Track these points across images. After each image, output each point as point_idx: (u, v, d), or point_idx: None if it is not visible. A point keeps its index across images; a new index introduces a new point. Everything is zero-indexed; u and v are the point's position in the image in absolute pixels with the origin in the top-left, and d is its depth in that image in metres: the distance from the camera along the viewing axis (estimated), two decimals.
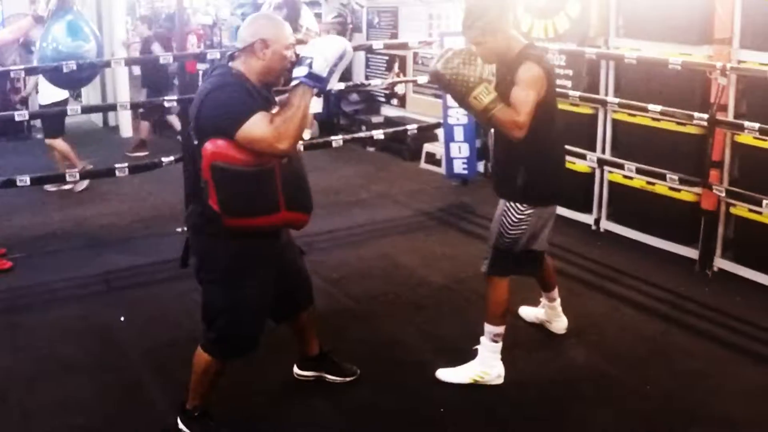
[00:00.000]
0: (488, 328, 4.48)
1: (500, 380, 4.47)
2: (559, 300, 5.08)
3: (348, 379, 4.51)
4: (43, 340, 5.12)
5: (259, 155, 3.37)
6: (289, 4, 8.45)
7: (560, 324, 5.11)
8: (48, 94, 8.66)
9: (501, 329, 4.47)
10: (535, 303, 5.22)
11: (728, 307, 5.47)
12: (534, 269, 4.71)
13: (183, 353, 4.86)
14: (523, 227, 4.36)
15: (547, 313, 5.13)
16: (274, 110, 3.48)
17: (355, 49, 9.03)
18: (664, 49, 6.28)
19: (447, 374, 4.51)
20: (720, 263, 6.10)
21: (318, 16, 11.28)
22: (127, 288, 6.02)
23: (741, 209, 5.89)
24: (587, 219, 7.23)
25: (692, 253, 6.26)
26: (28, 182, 6.29)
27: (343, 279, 6.03)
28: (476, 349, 4.53)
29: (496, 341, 4.48)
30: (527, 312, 5.29)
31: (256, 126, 3.31)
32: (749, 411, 4.26)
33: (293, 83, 3.40)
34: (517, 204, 4.34)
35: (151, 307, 5.63)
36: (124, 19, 12.38)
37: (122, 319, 5.40)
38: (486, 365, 4.48)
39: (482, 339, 4.51)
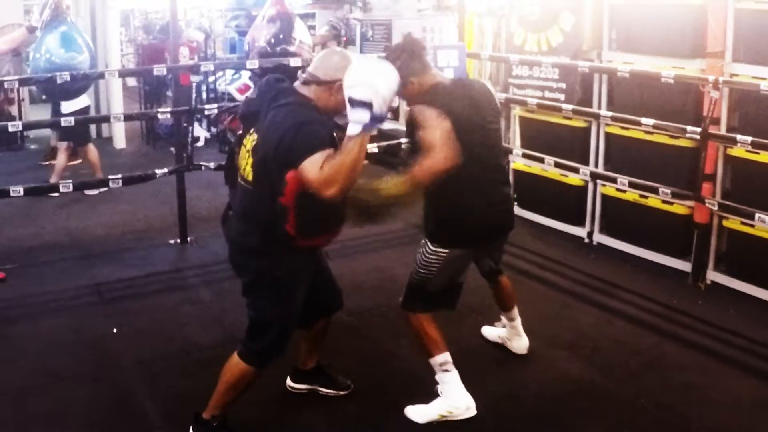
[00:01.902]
0: (432, 361, 4.28)
1: (471, 412, 4.26)
2: (519, 320, 4.94)
3: (341, 392, 4.50)
4: (35, 351, 5.10)
5: None
6: (283, 18, 8.48)
7: (521, 343, 4.97)
8: (70, 102, 8.82)
9: (445, 356, 4.26)
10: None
11: (721, 320, 5.48)
12: (451, 304, 4.46)
13: (175, 365, 4.88)
14: (435, 267, 4.21)
15: (509, 332, 5.01)
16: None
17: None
18: (656, 62, 6.31)
19: (415, 413, 4.28)
20: (713, 276, 6.11)
21: (312, 28, 11.31)
22: (120, 299, 6.00)
23: (734, 222, 5.90)
24: (580, 232, 7.23)
25: (685, 266, 6.27)
26: (21, 192, 6.27)
27: None
28: (437, 389, 4.32)
29: (447, 370, 4.27)
30: (489, 332, 5.19)
31: (311, 167, 3.31)
32: (742, 423, 4.26)
33: (352, 129, 3.28)
34: (428, 243, 4.22)
35: (144, 318, 5.62)
36: (118, 30, 12.36)
37: (114, 330, 5.38)
38: (451, 398, 4.27)
39: (436, 376, 4.30)
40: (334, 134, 3.58)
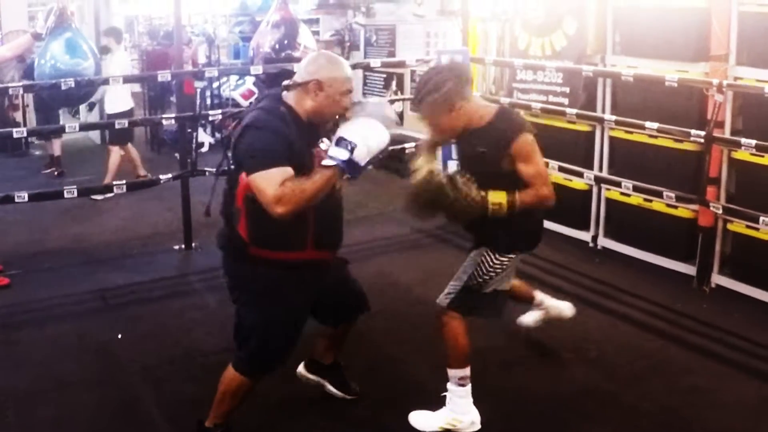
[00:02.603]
0: (452, 372, 4.21)
1: (475, 427, 4.22)
2: (542, 295, 5.05)
3: (348, 396, 4.48)
4: (40, 356, 5.11)
5: None
6: (287, 23, 8.47)
7: (564, 306, 5.08)
8: (115, 103, 9.30)
9: (466, 371, 4.21)
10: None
11: (726, 323, 5.47)
12: (498, 312, 4.41)
13: (180, 370, 4.88)
14: (499, 274, 4.21)
15: (549, 309, 5.06)
16: (321, 145, 3.57)
17: (353, 67, 9.06)
18: (660, 66, 6.31)
19: (418, 420, 4.26)
20: (717, 279, 6.10)
21: (316, 33, 11.32)
22: (125, 305, 6.01)
23: (738, 226, 5.90)
24: (585, 236, 7.23)
25: (690, 269, 6.27)
26: (26, 198, 6.28)
27: None
28: (445, 396, 4.26)
29: (463, 385, 4.21)
30: (528, 318, 5.17)
31: (267, 181, 3.29)
32: (747, 426, 4.26)
33: (326, 162, 3.30)
34: (495, 253, 4.19)
35: (149, 324, 5.62)
36: (122, 36, 12.38)
37: (119, 336, 5.39)
38: (457, 412, 4.22)
39: (449, 385, 4.23)
40: (304, 143, 3.51)
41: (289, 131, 3.44)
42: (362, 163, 3.30)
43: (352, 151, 3.26)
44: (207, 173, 7.18)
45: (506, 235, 4.15)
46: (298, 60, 8.07)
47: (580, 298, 5.97)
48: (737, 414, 4.37)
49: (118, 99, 9.37)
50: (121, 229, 7.93)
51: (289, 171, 3.33)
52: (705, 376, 4.79)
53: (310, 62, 3.64)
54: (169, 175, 7.00)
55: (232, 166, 3.56)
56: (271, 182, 3.28)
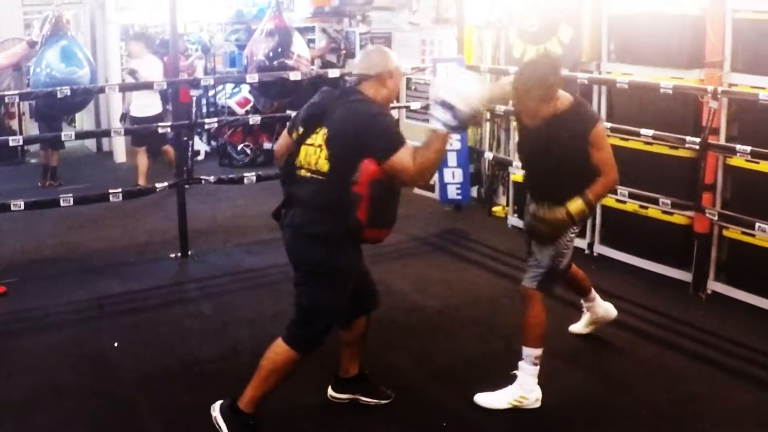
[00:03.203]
0: (527, 351, 4.48)
1: (538, 404, 4.47)
2: (597, 296, 5.27)
3: (383, 401, 4.50)
4: (36, 365, 5.10)
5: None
6: (281, 31, 8.49)
7: (610, 308, 5.31)
8: (143, 108, 9.46)
9: (540, 351, 4.48)
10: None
11: (722, 330, 5.48)
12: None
13: (176, 379, 4.88)
14: (570, 247, 4.57)
15: (595, 311, 5.26)
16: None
17: (349, 75, 9.05)
18: (655, 73, 6.32)
19: (485, 399, 4.49)
20: (713, 286, 6.11)
21: (311, 42, 11.32)
22: (121, 313, 6.00)
23: (734, 232, 5.91)
24: (581, 243, 7.21)
25: (686, 276, 6.27)
26: (22, 207, 6.28)
27: None
28: (514, 374, 4.50)
29: (536, 364, 4.47)
30: (578, 327, 5.41)
31: (405, 158, 3.68)
32: None
33: (436, 126, 3.69)
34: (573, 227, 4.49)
35: (145, 332, 5.62)
36: (118, 44, 12.40)
37: (116, 344, 5.38)
38: (525, 390, 4.47)
39: (521, 364, 4.49)
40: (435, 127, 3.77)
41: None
42: (467, 118, 3.69)
43: (455, 114, 3.63)
44: (203, 181, 7.19)
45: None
46: (292, 68, 8.13)
47: (575, 306, 5.94)
48: (733, 421, 4.37)
49: (148, 104, 9.53)
50: (118, 237, 7.92)
51: (410, 145, 3.74)
52: (701, 383, 4.79)
53: (376, 55, 4.12)
54: (165, 184, 7.00)
55: (348, 157, 3.75)
56: (408, 159, 3.68)
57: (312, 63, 9.83)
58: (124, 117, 10.28)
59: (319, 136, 3.83)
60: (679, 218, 6.32)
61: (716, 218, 5.90)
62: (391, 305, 6.00)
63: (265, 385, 3.96)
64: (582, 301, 5.30)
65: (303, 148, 3.89)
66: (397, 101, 10.42)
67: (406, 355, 5.17)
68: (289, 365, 3.95)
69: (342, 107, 3.85)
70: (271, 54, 8.39)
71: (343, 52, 11.55)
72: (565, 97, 4.37)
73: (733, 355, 5.15)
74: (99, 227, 8.24)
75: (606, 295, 6.05)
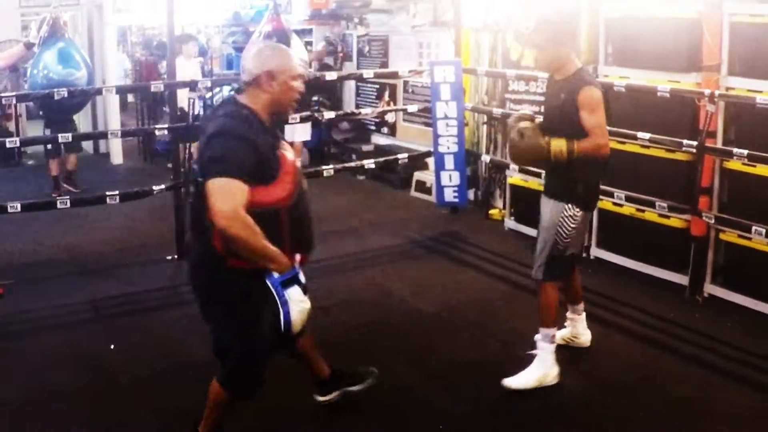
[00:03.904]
0: (544, 331, 4.71)
1: (556, 380, 4.70)
2: (585, 314, 5.26)
3: (371, 380, 4.44)
4: (32, 367, 5.09)
5: (265, 199, 3.37)
6: (279, 34, 8.49)
7: (588, 336, 5.27)
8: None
9: (555, 330, 4.77)
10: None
11: (718, 333, 5.48)
12: (569, 271, 4.96)
13: (173, 381, 4.87)
14: (575, 231, 4.67)
15: (577, 327, 5.24)
16: (282, 148, 3.54)
17: (346, 78, 9.08)
18: (652, 76, 6.33)
19: (517, 382, 4.65)
20: (710, 289, 6.11)
21: (309, 44, 11.33)
22: (117, 316, 6.00)
23: (730, 235, 5.91)
24: None
25: (682, 279, 6.27)
26: (19, 209, 6.28)
27: (333, 307, 6.00)
28: (532, 354, 4.75)
29: (552, 342, 4.72)
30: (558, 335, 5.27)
31: (226, 192, 3.24)
32: None
33: (281, 277, 3.42)
34: (576, 209, 4.62)
35: (141, 335, 5.61)
36: (115, 46, 12.40)
37: (112, 347, 5.37)
38: (546, 367, 4.70)
39: (540, 343, 4.72)
40: (269, 146, 3.47)
41: (253, 134, 3.41)
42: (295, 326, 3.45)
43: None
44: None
45: (581, 188, 4.64)
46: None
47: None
48: (730, 423, 4.36)
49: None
50: (114, 239, 7.92)
51: (246, 190, 3.27)
52: (698, 386, 4.80)
53: (255, 57, 3.58)
54: (162, 186, 7.00)
55: (200, 179, 3.43)
56: (229, 195, 3.23)
57: (309, 66, 9.84)
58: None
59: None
60: (675, 221, 6.33)
61: (713, 221, 5.90)
62: (387, 308, 6.02)
63: (213, 415, 3.83)
64: (568, 312, 5.22)
65: None
66: (394, 103, 10.50)
67: (403, 358, 5.16)
68: (222, 403, 3.79)
69: (211, 123, 3.52)
70: None
71: (341, 54, 11.56)
72: (575, 65, 4.63)
73: (729, 358, 5.15)
74: (96, 229, 8.23)
75: (603, 298, 6.09)
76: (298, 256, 3.69)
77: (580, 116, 4.46)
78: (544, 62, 4.77)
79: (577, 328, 5.23)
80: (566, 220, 4.64)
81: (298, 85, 3.60)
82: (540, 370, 4.69)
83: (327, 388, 4.42)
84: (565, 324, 5.24)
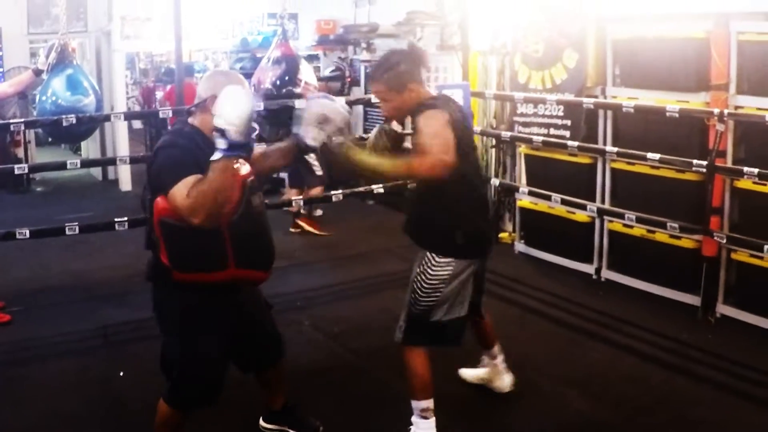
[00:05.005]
0: (414, 404, 4.16)
1: None
2: (502, 356, 4.81)
3: None
4: (42, 393, 5.06)
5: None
6: (288, 59, 8.51)
7: (504, 382, 4.81)
8: None
9: (429, 403, 4.14)
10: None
11: (732, 353, 5.43)
12: (457, 339, 4.28)
13: None
14: (440, 287, 4.07)
15: (489, 372, 4.86)
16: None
17: (354, 102, 9.07)
18: (661, 97, 6.32)
19: None
20: (722, 309, 6.06)
21: (317, 70, 11.36)
22: (126, 342, 5.98)
23: (742, 255, 5.87)
24: (588, 269, 7.20)
25: (694, 300, 6.23)
26: (28, 235, 6.26)
27: (343, 333, 5.98)
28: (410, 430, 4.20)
29: (426, 417, 4.14)
30: (468, 374, 5.00)
31: (178, 193, 3.32)
32: None
33: (214, 155, 3.30)
34: (433, 257, 4.09)
35: (150, 361, 5.53)
36: (123, 73, 12.45)
37: (121, 373, 5.35)
38: None
39: (413, 418, 4.18)
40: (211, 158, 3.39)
41: (196, 148, 3.50)
42: (242, 139, 3.29)
43: (223, 134, 3.24)
44: None
45: (437, 234, 4.10)
46: (299, 96, 8.14)
47: (584, 331, 5.94)
48: None
49: None
50: (123, 265, 7.89)
51: (191, 179, 3.34)
52: (712, 408, 4.75)
53: (205, 80, 3.75)
54: None
55: (149, 196, 3.56)
56: (182, 193, 3.31)
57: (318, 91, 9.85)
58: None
59: None
60: (687, 242, 6.29)
61: (724, 241, 5.87)
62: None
63: None
64: (483, 356, 4.89)
65: None
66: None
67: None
68: (172, 420, 3.80)
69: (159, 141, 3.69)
70: (278, 82, 8.40)
71: (348, 79, 11.58)
72: (425, 93, 4.15)
73: (744, 378, 5.11)
74: (104, 255, 8.22)
75: (614, 321, 6.05)
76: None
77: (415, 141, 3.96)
78: (394, 111, 4.22)
79: (494, 372, 4.83)
80: (425, 272, 4.12)
81: None
82: None
83: (272, 419, 4.40)
84: (481, 363, 4.92)
